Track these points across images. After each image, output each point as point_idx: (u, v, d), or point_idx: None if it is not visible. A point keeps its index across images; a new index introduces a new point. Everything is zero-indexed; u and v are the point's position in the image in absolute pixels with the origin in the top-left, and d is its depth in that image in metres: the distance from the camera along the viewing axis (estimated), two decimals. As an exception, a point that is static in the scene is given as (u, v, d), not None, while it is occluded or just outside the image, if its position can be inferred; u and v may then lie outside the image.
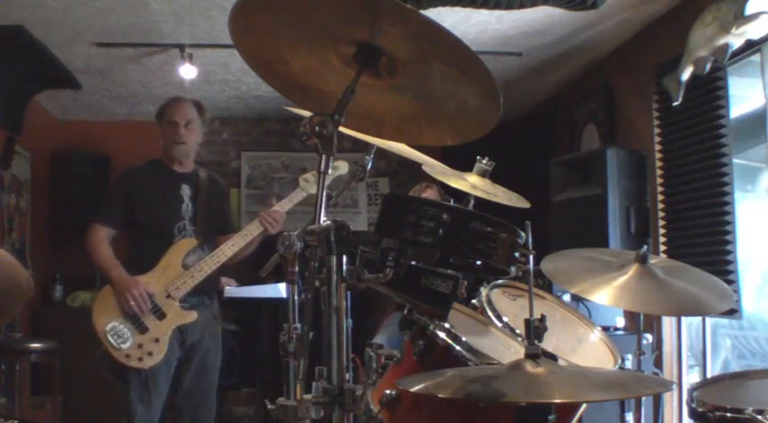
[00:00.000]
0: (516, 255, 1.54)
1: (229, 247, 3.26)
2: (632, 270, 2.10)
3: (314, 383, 1.38)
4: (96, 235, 3.25)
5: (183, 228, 3.30)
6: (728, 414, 1.72)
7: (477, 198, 2.02)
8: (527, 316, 1.44)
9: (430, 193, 3.75)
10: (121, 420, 3.16)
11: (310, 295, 1.36)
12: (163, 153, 3.41)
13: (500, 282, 2.26)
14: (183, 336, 3.24)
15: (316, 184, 3.68)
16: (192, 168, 3.45)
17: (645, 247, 2.17)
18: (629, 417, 2.50)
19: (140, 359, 3.07)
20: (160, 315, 3.15)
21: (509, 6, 3.27)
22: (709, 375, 3.55)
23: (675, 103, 3.48)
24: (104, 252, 3.23)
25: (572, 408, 1.70)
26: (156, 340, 3.11)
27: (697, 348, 3.83)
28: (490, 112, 1.47)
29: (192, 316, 3.23)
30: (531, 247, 1.61)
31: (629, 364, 2.39)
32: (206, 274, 3.23)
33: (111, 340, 3.04)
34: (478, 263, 1.59)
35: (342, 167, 3.13)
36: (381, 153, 1.89)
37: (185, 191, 3.36)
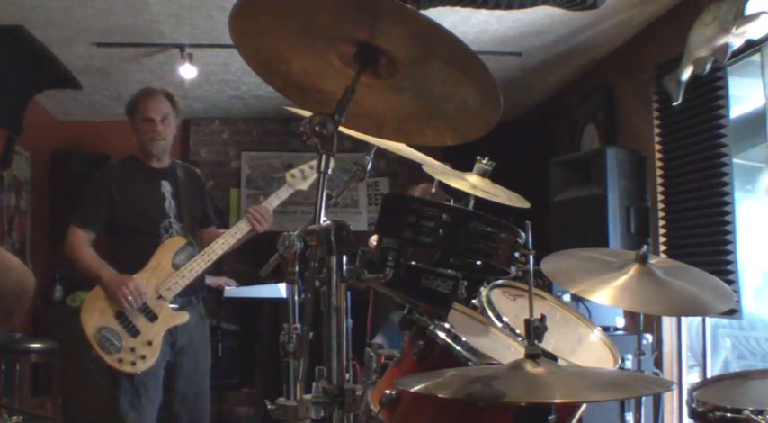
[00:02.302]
0: (516, 255, 1.54)
1: (219, 246, 3.15)
2: (632, 270, 2.10)
3: (314, 383, 1.38)
4: (77, 238, 3.12)
5: (168, 226, 3.19)
6: (728, 414, 1.72)
7: (477, 198, 2.02)
8: (527, 316, 1.44)
9: (419, 191, 3.71)
10: None
11: (310, 295, 1.36)
12: (139, 149, 3.27)
13: (500, 282, 2.26)
14: (174, 338, 3.13)
15: (303, 179, 3.57)
16: (168, 163, 3.32)
17: (645, 247, 2.16)
18: (629, 417, 2.51)
19: (133, 363, 2.96)
20: (152, 317, 3.04)
21: (509, 6, 3.27)
22: (709, 375, 3.54)
23: (675, 103, 3.48)
24: (89, 254, 3.11)
25: (572, 408, 1.70)
26: (149, 343, 3.01)
27: (697, 348, 3.83)
28: (490, 112, 1.47)
29: (184, 317, 3.12)
30: (531, 247, 1.61)
31: (629, 364, 2.39)
32: (197, 273, 3.12)
33: (102, 344, 2.94)
34: (478, 263, 1.59)
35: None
36: (381, 153, 1.89)
37: (166, 187, 3.24)
